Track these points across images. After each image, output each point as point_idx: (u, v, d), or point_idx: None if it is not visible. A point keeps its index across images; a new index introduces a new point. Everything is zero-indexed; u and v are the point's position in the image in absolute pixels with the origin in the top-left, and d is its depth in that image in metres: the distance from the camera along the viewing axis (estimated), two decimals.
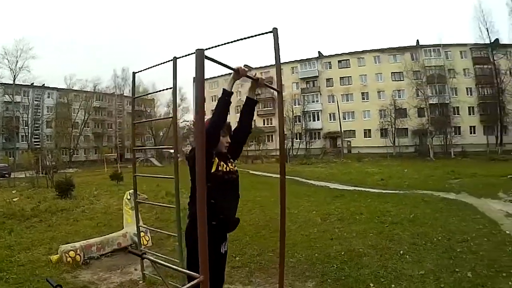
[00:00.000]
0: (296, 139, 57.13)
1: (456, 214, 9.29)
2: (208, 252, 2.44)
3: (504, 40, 45.99)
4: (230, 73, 2.66)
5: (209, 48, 3.95)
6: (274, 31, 3.28)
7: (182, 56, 4.33)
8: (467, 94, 48.78)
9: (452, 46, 49.85)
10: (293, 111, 56.31)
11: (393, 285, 4.92)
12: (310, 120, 57.61)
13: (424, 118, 47.86)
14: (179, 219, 4.50)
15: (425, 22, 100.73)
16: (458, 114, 48.24)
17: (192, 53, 3.65)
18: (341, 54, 57.18)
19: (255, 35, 3.42)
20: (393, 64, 53.02)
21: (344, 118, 54.78)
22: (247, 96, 3.11)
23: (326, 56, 58.72)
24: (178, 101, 66.03)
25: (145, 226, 6.86)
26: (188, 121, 60.62)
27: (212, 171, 2.71)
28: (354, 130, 54.95)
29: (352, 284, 5.04)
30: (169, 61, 4.37)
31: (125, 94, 70.07)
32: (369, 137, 54.06)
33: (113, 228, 8.39)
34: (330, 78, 57.87)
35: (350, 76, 56.59)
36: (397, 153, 48.28)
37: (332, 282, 5.15)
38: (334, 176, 23.23)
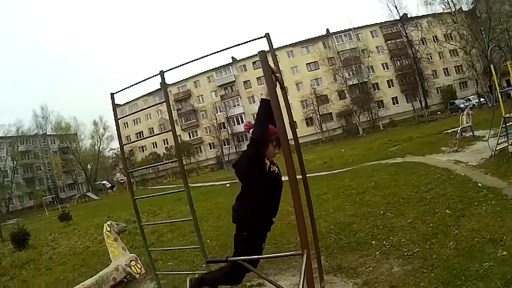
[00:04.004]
0: (225, 145, 57.99)
1: (411, 172, 10.55)
2: (254, 247, 3.10)
3: (413, 14, 51.15)
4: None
5: (205, 56, 4.39)
6: (267, 36, 3.81)
7: (168, 70, 4.49)
8: (384, 69, 54.09)
9: (362, 28, 54.88)
10: (216, 119, 57.23)
11: (391, 237, 5.77)
12: (234, 124, 58.71)
13: (347, 100, 52.13)
14: (198, 231, 4.68)
15: (333, 10, 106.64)
16: (379, 89, 53.16)
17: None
18: (253, 55, 58.39)
19: (249, 41, 3.90)
20: (307, 55, 56.95)
21: None
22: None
23: (240, 60, 60.35)
24: (101, 130, 64.54)
25: (155, 248, 6.72)
26: (114, 149, 58.86)
27: (267, 170, 3.04)
28: None
29: (356, 247, 5.80)
30: (155, 76, 4.48)
31: (48, 133, 67.32)
32: (296, 128, 56.12)
33: (92, 266, 8.26)
34: (247, 80, 59.89)
35: None
36: (326, 137, 51.41)
37: (338, 250, 5.87)
38: None
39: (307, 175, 4.21)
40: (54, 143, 68.64)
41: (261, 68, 2.67)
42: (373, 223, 6.70)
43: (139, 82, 4.73)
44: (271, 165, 3.09)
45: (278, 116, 2.56)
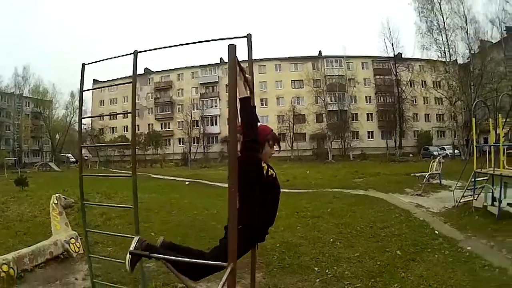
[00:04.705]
0: (194, 143, 57.33)
1: (370, 207, 10.40)
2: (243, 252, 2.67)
3: (407, 55, 52.19)
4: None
5: (183, 44, 4.07)
6: (248, 37, 3.51)
7: (143, 51, 4.17)
8: (366, 102, 55.08)
9: (354, 58, 55.72)
10: (191, 115, 56.68)
11: (335, 267, 5.50)
12: (208, 125, 58.38)
13: (323, 124, 52.61)
14: (137, 221, 4.27)
15: (329, 34, 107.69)
16: (357, 120, 54.12)
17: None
18: (243, 61, 58.18)
19: (229, 38, 3.60)
20: (294, 72, 57.46)
21: None
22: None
23: (227, 63, 59.40)
24: (76, 103, 62.59)
25: (92, 230, 6.36)
26: (85, 124, 57.16)
27: (265, 174, 2.69)
28: None
29: (297, 270, 5.51)
30: (128, 54, 4.19)
31: (24, 95, 65.24)
32: None
33: (34, 236, 7.86)
34: None
35: None
36: (295, 156, 51.31)
37: (279, 270, 5.58)
38: None
39: None
40: (28, 106, 66.34)
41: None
42: (320, 249, 6.45)
43: (111, 58, 4.45)
44: (269, 169, 2.76)
45: (232, 116, 2.21)
